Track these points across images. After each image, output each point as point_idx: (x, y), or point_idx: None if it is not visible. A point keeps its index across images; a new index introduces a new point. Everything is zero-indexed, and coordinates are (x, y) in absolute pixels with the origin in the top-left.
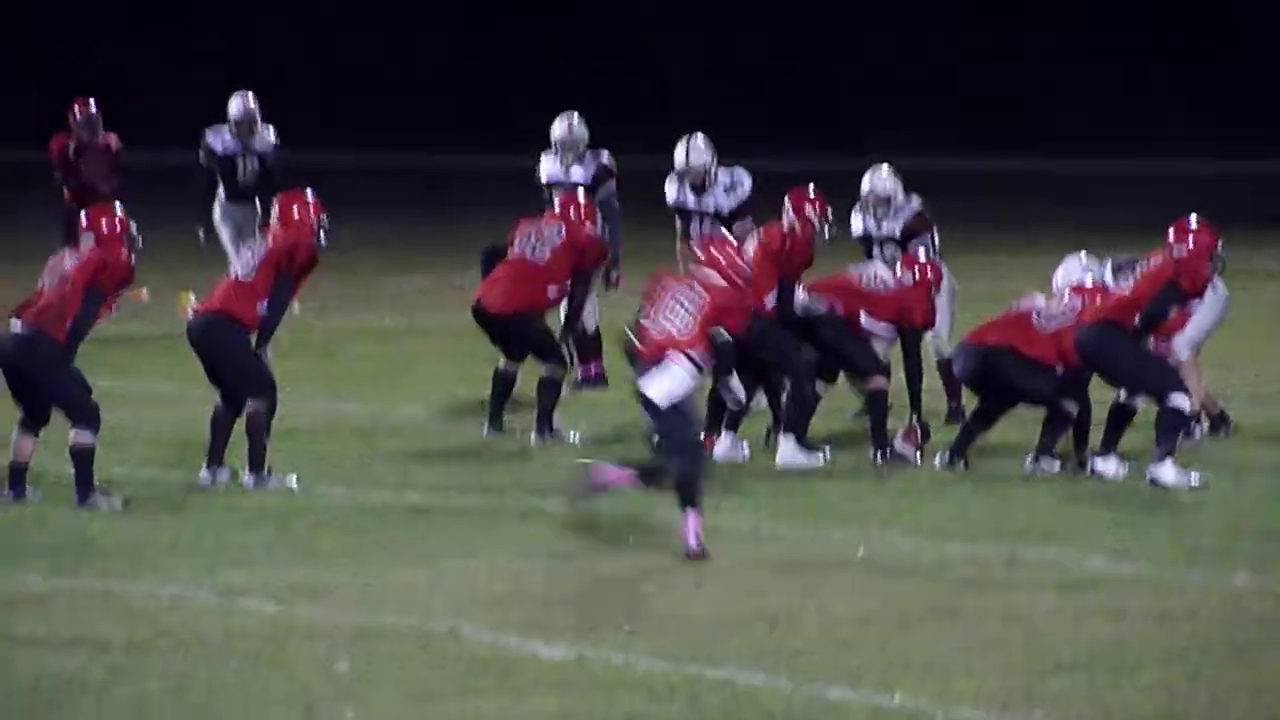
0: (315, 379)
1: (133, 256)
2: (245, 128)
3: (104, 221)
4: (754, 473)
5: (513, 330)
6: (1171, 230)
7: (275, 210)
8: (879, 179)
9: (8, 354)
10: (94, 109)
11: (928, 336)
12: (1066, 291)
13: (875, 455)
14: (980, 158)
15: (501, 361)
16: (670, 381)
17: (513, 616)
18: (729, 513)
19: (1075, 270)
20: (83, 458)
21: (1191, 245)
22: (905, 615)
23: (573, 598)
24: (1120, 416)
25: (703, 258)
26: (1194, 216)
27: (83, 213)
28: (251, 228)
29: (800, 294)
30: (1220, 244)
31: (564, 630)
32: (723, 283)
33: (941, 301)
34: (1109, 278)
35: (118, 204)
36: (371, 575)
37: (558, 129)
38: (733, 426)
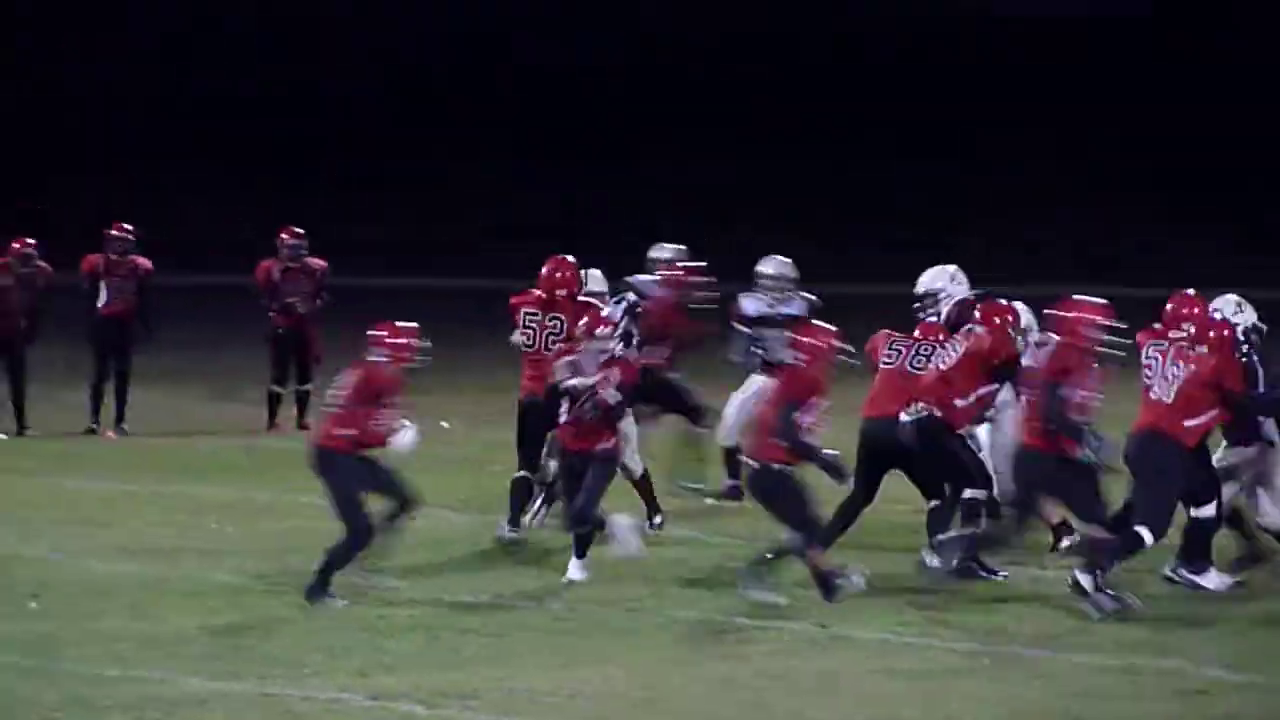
0: (463, 491)
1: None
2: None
3: (396, 339)
4: (884, 586)
5: None
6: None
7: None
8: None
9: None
10: (300, 234)
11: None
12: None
13: (965, 561)
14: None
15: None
16: None
17: None
18: (858, 623)
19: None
20: (338, 556)
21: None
22: None
23: (706, 702)
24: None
25: None
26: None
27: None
28: None
29: (911, 407)
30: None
31: None
32: None
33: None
34: None
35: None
36: (515, 681)
37: (768, 267)
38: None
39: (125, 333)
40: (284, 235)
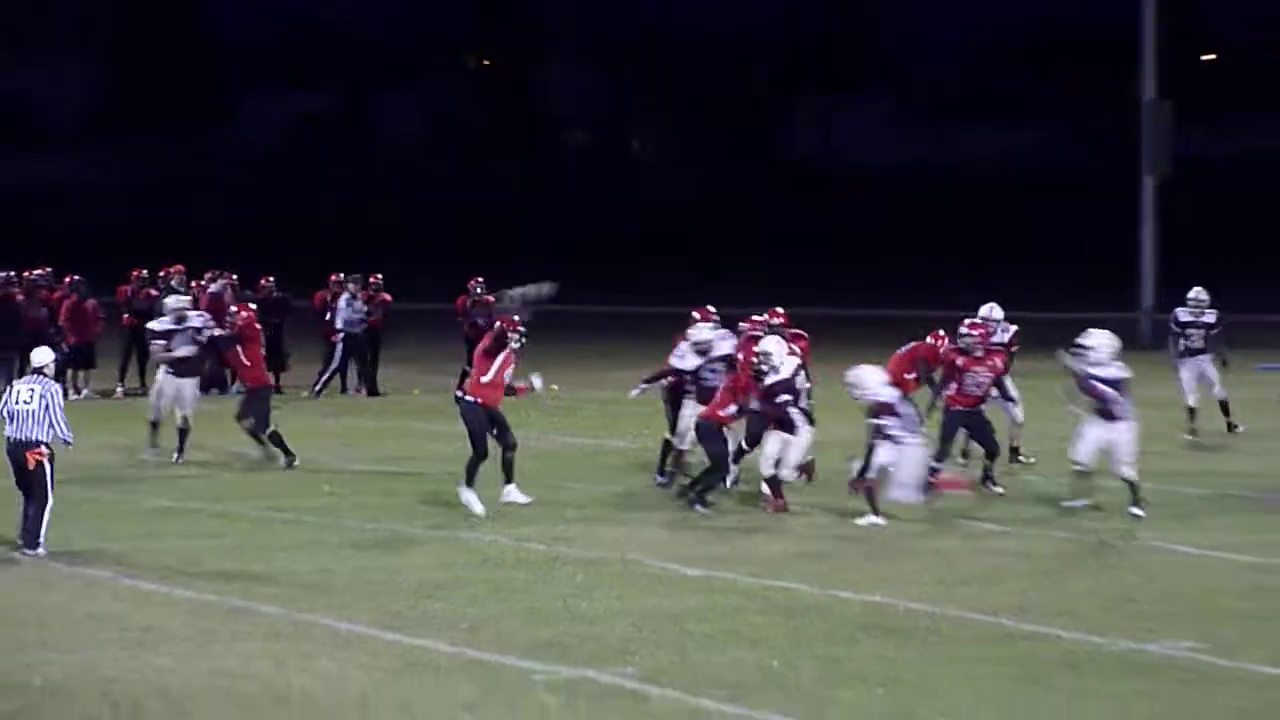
0: (562, 427)
1: None
2: None
3: None
4: None
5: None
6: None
7: None
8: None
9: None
10: (482, 280)
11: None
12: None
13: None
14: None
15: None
16: None
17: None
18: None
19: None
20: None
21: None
22: None
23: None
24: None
25: None
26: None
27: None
28: None
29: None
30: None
31: (697, 561)
32: None
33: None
34: None
35: None
36: (573, 531)
37: None
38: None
39: None
40: (471, 283)
